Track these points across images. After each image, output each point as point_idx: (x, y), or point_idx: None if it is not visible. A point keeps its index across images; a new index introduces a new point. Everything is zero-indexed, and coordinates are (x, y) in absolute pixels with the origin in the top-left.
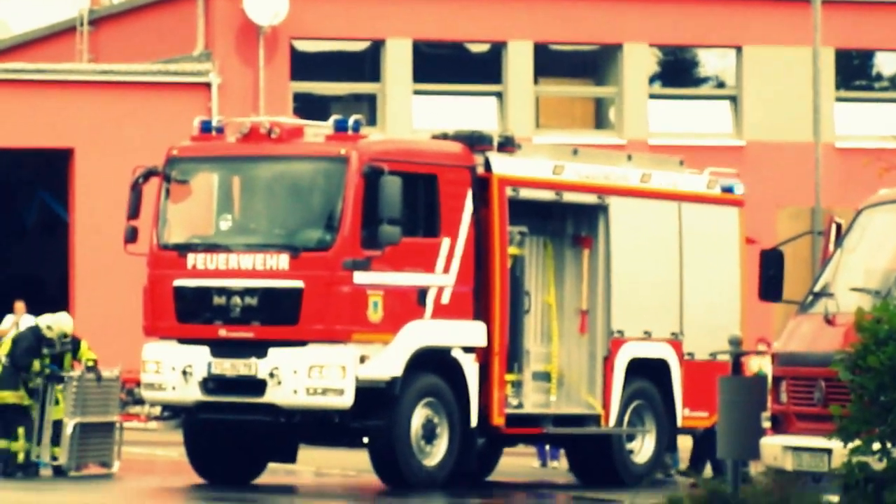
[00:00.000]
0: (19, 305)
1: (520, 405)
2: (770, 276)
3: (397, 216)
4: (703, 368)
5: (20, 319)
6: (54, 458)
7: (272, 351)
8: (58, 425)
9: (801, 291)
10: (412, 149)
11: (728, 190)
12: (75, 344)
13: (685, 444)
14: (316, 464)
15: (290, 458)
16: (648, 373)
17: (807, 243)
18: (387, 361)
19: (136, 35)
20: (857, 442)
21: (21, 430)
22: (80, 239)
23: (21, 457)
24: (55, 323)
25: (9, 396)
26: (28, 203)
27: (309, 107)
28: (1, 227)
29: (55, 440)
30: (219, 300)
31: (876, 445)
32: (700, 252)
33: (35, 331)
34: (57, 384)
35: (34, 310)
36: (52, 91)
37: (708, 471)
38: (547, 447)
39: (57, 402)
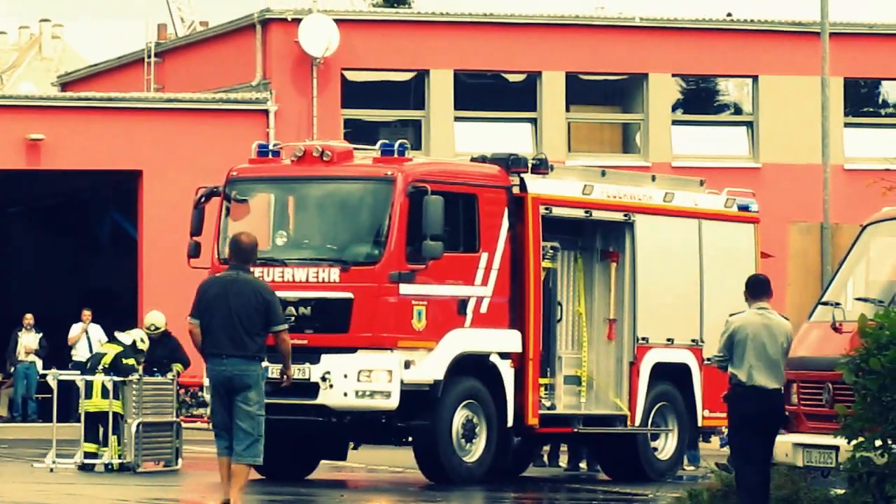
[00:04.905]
0: (86, 314)
1: (552, 406)
2: None
3: (439, 233)
4: (721, 372)
5: (88, 327)
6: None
7: (324, 357)
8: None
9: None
10: (453, 170)
11: (744, 208)
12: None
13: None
14: (364, 461)
15: (341, 455)
16: (671, 376)
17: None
18: (430, 366)
19: (199, 66)
20: (861, 439)
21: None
22: (147, 254)
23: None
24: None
25: (104, 404)
26: (101, 221)
27: (358, 132)
28: (78, 243)
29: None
30: None
31: (878, 442)
32: (718, 265)
33: (134, 346)
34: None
35: (109, 319)
36: (121, 118)
37: None
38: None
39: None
